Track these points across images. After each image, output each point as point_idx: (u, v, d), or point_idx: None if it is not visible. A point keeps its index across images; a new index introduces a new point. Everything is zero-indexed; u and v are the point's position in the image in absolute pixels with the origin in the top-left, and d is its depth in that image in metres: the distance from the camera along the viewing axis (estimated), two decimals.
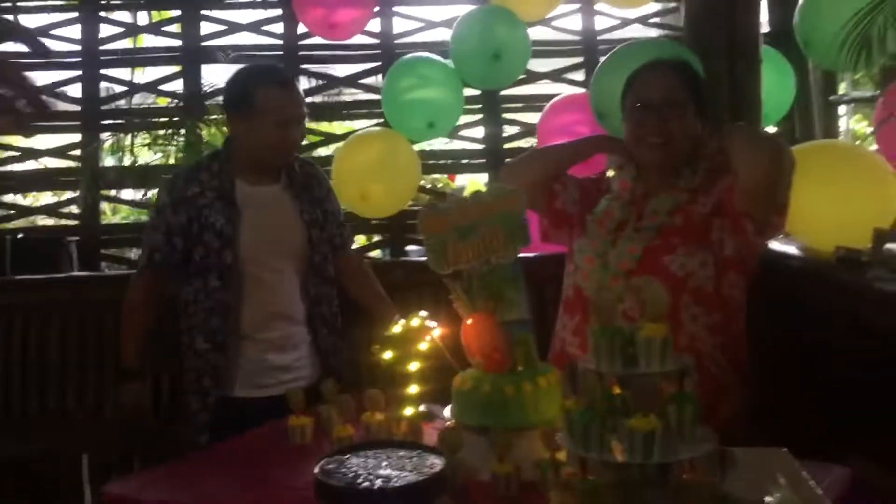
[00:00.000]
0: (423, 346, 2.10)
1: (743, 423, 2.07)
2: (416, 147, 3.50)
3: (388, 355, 2.15)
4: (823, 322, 2.48)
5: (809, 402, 2.54)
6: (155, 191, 4.15)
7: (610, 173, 2.38)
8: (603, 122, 2.85)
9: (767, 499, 1.59)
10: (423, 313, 2.10)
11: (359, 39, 3.64)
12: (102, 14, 3.62)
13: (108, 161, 3.36)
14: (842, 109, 4.08)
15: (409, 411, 2.06)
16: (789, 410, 2.48)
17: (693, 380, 1.45)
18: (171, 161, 3.35)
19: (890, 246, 2.46)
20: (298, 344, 2.50)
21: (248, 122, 2.39)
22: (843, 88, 3.59)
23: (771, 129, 3.63)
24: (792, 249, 2.75)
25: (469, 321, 1.97)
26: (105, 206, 4.92)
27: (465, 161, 3.71)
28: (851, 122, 5.24)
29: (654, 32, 3.79)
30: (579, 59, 3.72)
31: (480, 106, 3.70)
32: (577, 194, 2.33)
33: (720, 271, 2.10)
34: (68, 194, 3.67)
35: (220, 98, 3.49)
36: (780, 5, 3.40)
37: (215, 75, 3.76)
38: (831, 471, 1.78)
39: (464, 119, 3.68)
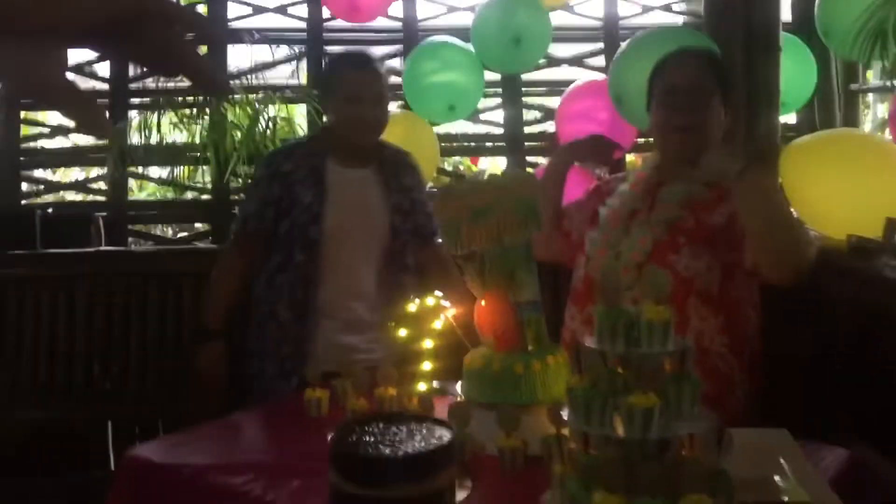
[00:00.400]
0: (438, 324, 2.17)
1: (751, 417, 2.11)
2: (437, 129, 3.55)
3: (403, 333, 2.23)
4: (834, 310, 2.51)
5: (819, 389, 2.57)
6: (180, 168, 4.26)
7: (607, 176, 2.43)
8: (620, 108, 2.88)
9: (776, 477, 1.64)
10: (438, 293, 2.16)
11: (382, 23, 3.68)
12: None
13: (136, 139, 3.43)
14: (871, 98, 4.09)
15: (422, 387, 2.13)
16: (799, 396, 2.52)
17: (692, 360, 1.50)
18: (197, 140, 3.42)
19: None
20: (370, 326, 2.56)
21: (329, 102, 2.60)
22: (871, 77, 3.58)
23: (791, 118, 3.64)
24: None
25: (482, 301, 2.04)
26: (132, 182, 5.04)
27: (485, 144, 3.75)
28: (882, 110, 5.20)
29: (677, 19, 3.80)
30: (600, 45, 3.74)
31: (501, 90, 3.73)
32: (584, 215, 2.36)
33: (726, 275, 2.12)
34: (96, 171, 3.76)
35: (244, 79, 3.61)
36: None
37: (241, 57, 3.84)
38: (830, 451, 1.82)
39: (484, 103, 3.71)
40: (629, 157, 3.53)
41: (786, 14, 3.61)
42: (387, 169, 2.61)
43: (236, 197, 3.55)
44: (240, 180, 3.53)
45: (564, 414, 1.58)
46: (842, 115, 3.42)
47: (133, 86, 3.74)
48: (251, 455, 1.89)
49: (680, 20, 3.86)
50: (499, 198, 2.02)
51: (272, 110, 3.47)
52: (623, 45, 2.93)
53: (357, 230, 2.51)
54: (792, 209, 2.89)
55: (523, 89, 3.73)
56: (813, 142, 2.86)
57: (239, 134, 3.34)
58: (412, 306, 2.24)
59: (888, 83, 2.82)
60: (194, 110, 3.41)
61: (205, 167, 3.52)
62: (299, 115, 3.85)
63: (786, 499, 1.56)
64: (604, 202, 2.29)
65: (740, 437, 1.73)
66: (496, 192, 2.02)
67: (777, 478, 1.65)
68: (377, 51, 3.73)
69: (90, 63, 3.75)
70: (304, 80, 3.73)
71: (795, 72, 3.27)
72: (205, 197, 3.78)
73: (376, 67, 2.58)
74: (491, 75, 3.65)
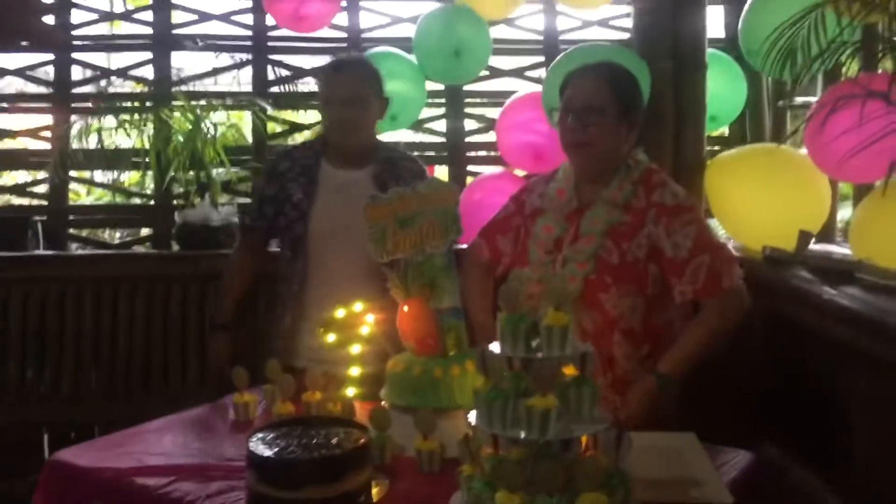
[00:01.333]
0: (365, 330, 2.22)
1: (676, 422, 2.18)
2: (379, 138, 3.57)
3: (331, 338, 2.27)
4: (750, 319, 2.61)
5: (735, 395, 2.67)
6: (126, 174, 4.25)
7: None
8: (552, 121, 2.94)
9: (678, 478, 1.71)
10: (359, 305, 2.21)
11: (326, 33, 3.71)
12: (76, 1, 3.69)
13: (78, 143, 3.42)
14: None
15: (350, 391, 2.17)
16: (715, 404, 2.61)
17: (593, 365, 1.57)
18: (143, 145, 3.42)
19: (813, 247, 2.60)
20: None
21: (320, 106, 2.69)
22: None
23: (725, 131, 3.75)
24: None
25: (404, 307, 2.09)
26: (80, 187, 5.00)
27: (427, 154, 3.80)
28: None
29: (614, 34, 3.89)
30: (541, 59, 3.82)
31: (444, 100, 3.79)
32: (510, 238, 2.40)
33: (649, 308, 2.20)
34: (42, 174, 3.74)
35: (188, 85, 3.63)
36: (733, 12, 3.50)
37: (184, 62, 3.85)
38: (735, 454, 1.91)
39: (427, 112, 3.77)
40: None
41: (718, 31, 3.73)
42: (384, 172, 2.63)
43: (179, 202, 3.56)
44: (181, 187, 3.54)
45: (469, 415, 1.63)
46: (770, 129, 3.53)
47: (76, 90, 3.72)
48: (175, 458, 1.93)
49: (619, 35, 3.96)
50: (422, 206, 2.08)
51: (216, 117, 3.48)
52: (555, 60, 3.01)
53: (344, 231, 2.51)
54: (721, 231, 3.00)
55: (466, 100, 3.79)
56: (735, 156, 2.97)
57: (181, 139, 3.35)
58: (340, 312, 2.29)
59: (812, 99, 2.93)
60: (136, 115, 3.41)
61: (148, 172, 3.52)
62: (245, 122, 3.88)
63: (685, 499, 1.64)
64: (528, 234, 2.32)
65: (647, 440, 1.82)
66: (419, 201, 2.08)
67: (679, 478, 1.73)
68: (322, 60, 3.81)
69: (32, 67, 3.73)
70: (248, 87, 3.74)
71: (726, 88, 3.37)
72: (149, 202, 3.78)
73: (352, 70, 2.62)
74: (434, 85, 3.70)
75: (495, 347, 1.57)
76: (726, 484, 1.72)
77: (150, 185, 3.97)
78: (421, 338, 2.06)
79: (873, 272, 2.13)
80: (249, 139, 3.71)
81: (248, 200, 3.64)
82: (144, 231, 3.86)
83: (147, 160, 3.39)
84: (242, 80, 3.73)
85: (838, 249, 2.67)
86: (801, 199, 2.74)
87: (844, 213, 3.62)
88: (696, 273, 2.12)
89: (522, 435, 1.49)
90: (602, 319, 2.15)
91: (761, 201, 2.76)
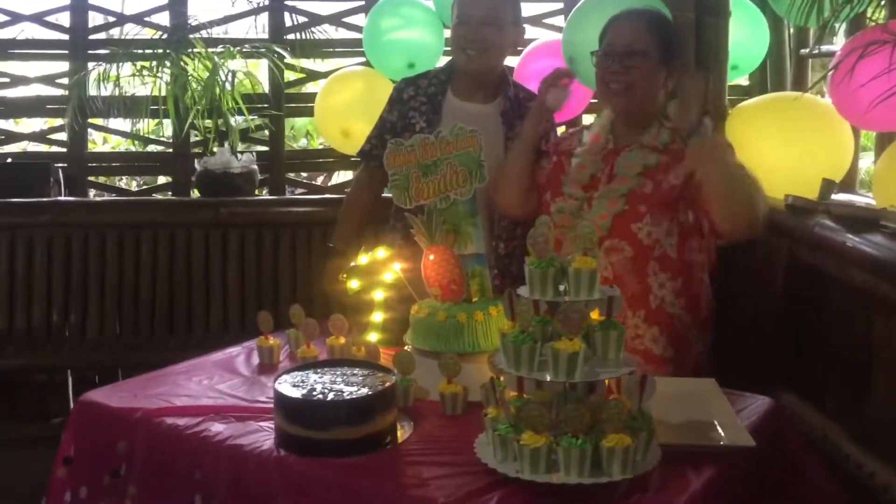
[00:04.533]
0: (388, 276, 2.24)
1: (705, 369, 2.21)
2: None
3: (354, 284, 2.30)
4: (771, 267, 2.62)
5: (755, 342, 2.69)
6: (143, 121, 4.25)
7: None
8: (574, 68, 2.92)
9: (699, 422, 1.73)
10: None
11: None
12: None
13: (95, 90, 3.42)
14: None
15: (373, 337, 2.21)
16: (734, 350, 2.64)
17: (619, 309, 1.58)
18: (160, 93, 3.41)
19: (836, 197, 2.59)
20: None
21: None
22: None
23: (743, 80, 3.71)
24: None
25: (429, 254, 2.11)
26: (97, 135, 5.01)
27: None
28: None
29: None
30: (560, 5, 3.76)
31: None
32: (547, 174, 2.39)
33: (683, 238, 2.22)
34: (59, 122, 3.75)
35: (206, 31, 3.59)
36: None
37: (201, 8, 3.82)
38: (754, 399, 1.93)
39: (444, 60, 3.73)
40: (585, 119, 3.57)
41: None
42: (513, 109, 2.56)
43: (197, 150, 3.57)
44: (199, 135, 3.54)
45: (495, 358, 1.65)
46: (792, 79, 3.49)
47: (93, 37, 3.71)
48: (203, 399, 1.96)
49: None
50: (445, 153, 2.08)
51: (233, 64, 3.46)
52: (577, 6, 2.97)
53: None
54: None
55: None
56: (757, 105, 2.93)
57: (198, 87, 3.34)
58: (363, 258, 2.31)
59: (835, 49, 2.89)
60: (154, 63, 3.40)
61: (166, 120, 3.52)
62: (262, 69, 3.86)
63: (707, 442, 1.67)
64: (563, 170, 2.34)
65: (670, 385, 1.85)
66: (443, 148, 2.08)
67: (700, 422, 1.75)
68: (339, 6, 3.77)
69: (49, 12, 3.71)
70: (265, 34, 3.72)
71: (748, 36, 3.32)
72: (167, 150, 3.79)
73: None
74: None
75: (523, 291, 1.59)
76: (747, 428, 1.74)
77: (164, 134, 3.99)
78: (445, 283, 2.08)
79: None
80: (266, 87, 3.69)
81: (265, 148, 3.65)
82: (161, 179, 3.88)
83: (165, 108, 3.38)
84: (260, 28, 3.68)
85: (861, 199, 2.65)
86: (824, 148, 2.71)
87: (864, 163, 3.60)
88: None
89: (549, 378, 1.52)
90: (635, 250, 2.18)
91: (784, 150, 2.73)
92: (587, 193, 2.26)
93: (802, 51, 3.40)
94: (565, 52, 2.92)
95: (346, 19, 3.78)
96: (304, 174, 4.75)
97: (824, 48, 3.15)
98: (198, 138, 3.58)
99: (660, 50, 2.22)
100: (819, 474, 1.89)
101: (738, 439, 1.68)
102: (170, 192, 3.72)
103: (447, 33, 3.56)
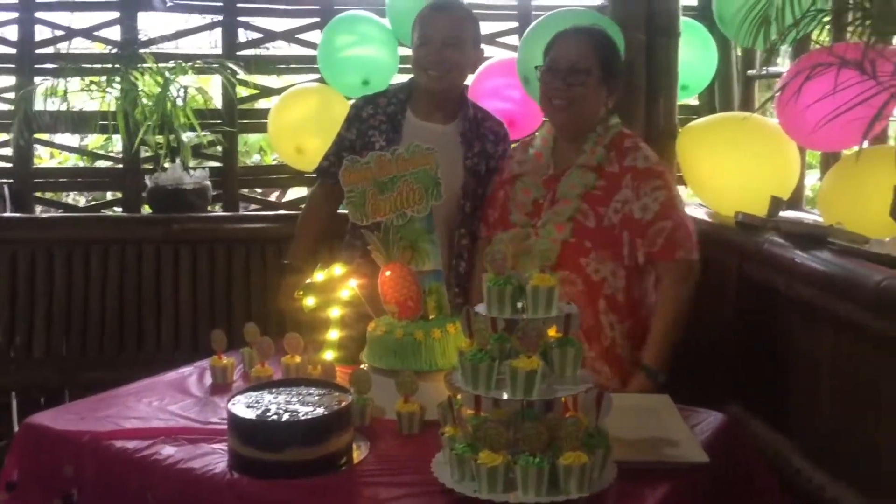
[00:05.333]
0: (345, 293, 2.22)
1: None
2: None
3: (310, 301, 2.27)
4: (722, 283, 2.66)
5: (708, 356, 2.73)
6: (91, 137, 4.17)
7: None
8: (528, 87, 2.95)
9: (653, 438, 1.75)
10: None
11: None
12: None
13: (42, 105, 3.35)
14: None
15: (328, 355, 2.18)
16: (692, 366, 2.66)
17: (577, 326, 1.59)
18: (111, 108, 3.35)
19: (785, 214, 2.64)
20: None
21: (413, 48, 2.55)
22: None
23: (693, 101, 3.78)
24: (699, 214, 2.92)
25: (386, 271, 2.10)
26: (45, 150, 4.89)
27: None
28: None
29: (586, 0, 3.89)
30: (514, 24, 3.80)
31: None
32: (498, 204, 2.43)
33: (631, 281, 2.26)
34: (4, 137, 3.66)
35: (156, 46, 3.54)
36: None
37: (152, 23, 3.77)
38: (707, 414, 1.96)
39: (399, 77, 3.74)
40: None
41: None
42: (471, 129, 2.58)
43: (148, 166, 3.51)
44: (150, 151, 3.48)
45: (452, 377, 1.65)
46: (739, 99, 3.57)
47: (40, 51, 3.63)
48: (153, 422, 1.92)
49: (591, 2, 3.95)
50: (402, 170, 2.08)
51: (185, 80, 3.42)
52: (531, 26, 3.00)
53: None
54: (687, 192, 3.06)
55: None
56: (707, 124, 3.00)
57: (149, 103, 3.29)
58: (319, 275, 2.29)
59: (781, 70, 2.96)
60: (104, 78, 3.34)
61: (116, 136, 3.46)
62: (214, 85, 3.81)
63: (662, 458, 1.68)
64: (509, 197, 2.38)
65: (625, 400, 1.85)
66: (399, 165, 2.08)
67: (656, 438, 1.77)
68: (294, 23, 3.75)
69: None
70: (219, 49, 3.67)
71: (697, 57, 3.39)
72: (116, 165, 3.71)
73: (453, 10, 2.56)
74: (404, 50, 3.67)
75: (481, 308, 1.59)
76: (701, 443, 1.76)
77: (114, 149, 3.90)
78: (402, 300, 2.07)
79: (844, 237, 2.18)
80: (218, 103, 3.64)
81: (219, 164, 3.60)
82: (110, 195, 3.80)
83: (115, 123, 3.31)
84: (213, 43, 3.64)
85: (808, 216, 2.72)
86: (771, 166, 2.77)
87: (810, 180, 3.69)
88: (656, 237, 2.21)
89: (506, 396, 1.52)
90: (585, 285, 2.21)
91: (732, 169, 2.79)
92: (532, 220, 2.28)
93: (750, 72, 3.49)
94: (520, 71, 2.95)
95: (301, 36, 3.75)
96: (258, 190, 4.70)
97: (771, 69, 3.24)
98: (148, 154, 3.52)
99: (602, 69, 2.26)
100: (771, 489, 1.92)
101: (693, 455, 1.69)
102: (119, 209, 3.65)
103: (402, 51, 3.58)
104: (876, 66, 1.93)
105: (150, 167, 3.46)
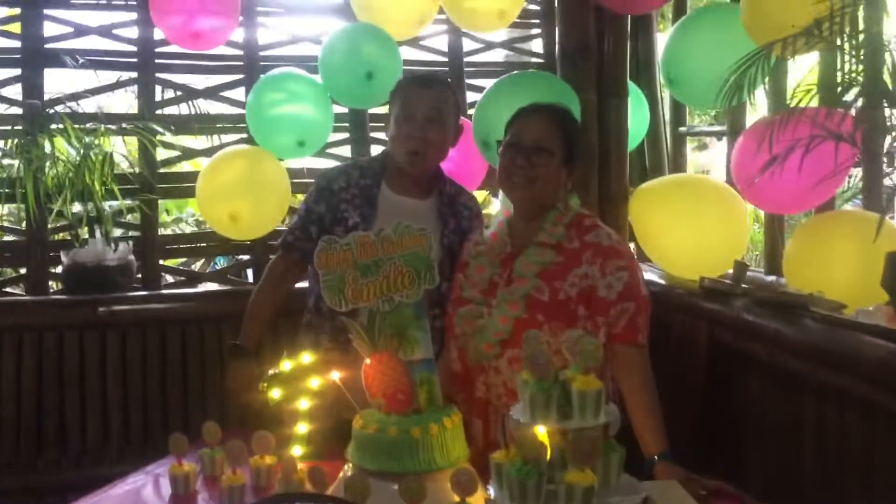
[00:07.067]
0: (315, 383, 2.03)
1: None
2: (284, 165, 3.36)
3: (276, 394, 2.08)
4: (691, 350, 2.63)
5: (679, 424, 2.68)
6: None
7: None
8: (487, 152, 2.87)
9: None
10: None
11: (220, 50, 3.44)
12: None
13: None
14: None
15: (297, 451, 1.99)
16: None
17: (617, 427, 1.49)
18: (21, 173, 3.01)
19: (750, 275, 2.65)
20: None
21: (391, 121, 2.44)
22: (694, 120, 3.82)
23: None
24: (654, 278, 2.90)
25: (370, 361, 1.93)
26: None
27: None
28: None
29: (518, 56, 3.88)
30: (240, 76, 3.56)
31: (347, 124, 3.61)
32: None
33: None
34: None
35: (66, 106, 3.24)
36: (633, 38, 3.53)
37: (60, 81, 3.46)
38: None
39: (334, 137, 3.58)
40: (480, 195, 3.52)
41: None
42: (447, 206, 2.48)
43: (57, 237, 3.18)
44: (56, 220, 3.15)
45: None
46: (670, 157, 3.61)
47: None
48: None
49: (517, 57, 3.95)
50: (388, 252, 1.93)
51: (104, 142, 3.12)
52: (487, 89, 2.93)
53: None
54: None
55: (371, 124, 3.63)
56: (658, 186, 2.99)
57: (62, 168, 2.99)
58: (286, 364, 2.09)
59: (715, 128, 3.01)
60: (8, 141, 3.02)
61: (21, 205, 3.11)
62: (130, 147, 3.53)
63: None
64: (464, 275, 2.30)
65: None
66: (385, 247, 1.93)
67: None
68: (216, 79, 3.54)
69: None
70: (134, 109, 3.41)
71: (631, 115, 3.41)
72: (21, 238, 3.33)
73: (438, 86, 2.45)
74: (340, 108, 3.52)
75: (519, 414, 1.45)
76: None
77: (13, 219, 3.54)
78: (391, 393, 1.90)
79: (825, 305, 2.18)
80: (127, 165, 3.35)
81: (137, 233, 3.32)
82: (10, 272, 3.43)
83: (23, 191, 2.99)
84: (132, 101, 3.37)
85: (768, 278, 2.73)
86: (724, 227, 2.79)
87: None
88: (618, 318, 2.12)
89: None
90: None
91: (685, 230, 2.80)
92: (486, 298, 2.20)
93: (681, 129, 3.54)
94: (477, 136, 2.87)
95: (226, 93, 3.54)
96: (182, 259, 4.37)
97: (702, 126, 3.30)
98: (56, 224, 3.20)
99: (564, 149, 2.20)
100: None
101: None
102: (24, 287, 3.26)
103: (337, 109, 3.44)
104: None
105: (65, 238, 3.13)
